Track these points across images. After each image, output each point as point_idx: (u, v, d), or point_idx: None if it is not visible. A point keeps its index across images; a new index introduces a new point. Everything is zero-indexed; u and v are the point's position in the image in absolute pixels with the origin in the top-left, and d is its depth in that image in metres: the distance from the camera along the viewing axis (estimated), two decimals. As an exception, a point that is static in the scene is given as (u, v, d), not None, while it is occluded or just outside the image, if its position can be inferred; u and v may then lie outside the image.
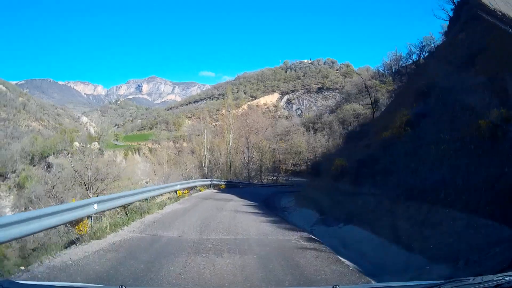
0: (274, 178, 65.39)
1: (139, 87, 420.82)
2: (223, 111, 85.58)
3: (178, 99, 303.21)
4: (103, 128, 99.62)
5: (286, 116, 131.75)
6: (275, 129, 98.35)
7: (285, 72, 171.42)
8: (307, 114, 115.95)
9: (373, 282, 6.18)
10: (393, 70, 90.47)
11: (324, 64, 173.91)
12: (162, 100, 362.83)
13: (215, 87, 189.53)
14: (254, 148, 55.41)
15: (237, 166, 53.27)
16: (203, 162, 52.05)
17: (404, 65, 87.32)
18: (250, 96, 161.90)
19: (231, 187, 35.58)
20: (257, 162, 56.27)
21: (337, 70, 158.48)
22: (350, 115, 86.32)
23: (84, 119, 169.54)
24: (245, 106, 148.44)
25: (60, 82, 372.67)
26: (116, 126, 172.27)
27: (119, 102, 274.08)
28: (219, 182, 34.35)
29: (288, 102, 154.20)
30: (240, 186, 40.90)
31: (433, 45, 37.85)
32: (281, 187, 51.55)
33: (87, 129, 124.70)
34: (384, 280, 6.26)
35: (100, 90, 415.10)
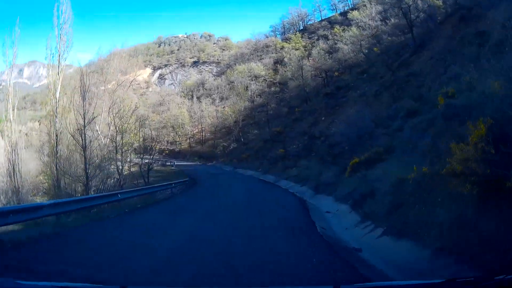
0: (143, 164, 47.13)
1: (20, 72, 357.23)
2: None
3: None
4: None
5: (158, 93, 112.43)
6: (147, 100, 78.18)
7: (159, 46, 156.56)
8: (187, 81, 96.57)
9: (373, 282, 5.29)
10: (299, 28, 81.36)
11: (201, 38, 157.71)
12: (40, 84, 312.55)
13: (88, 66, 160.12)
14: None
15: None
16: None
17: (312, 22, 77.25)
18: (120, 72, 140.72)
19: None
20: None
21: (214, 43, 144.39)
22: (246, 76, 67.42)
23: None
24: (114, 83, 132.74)
25: None
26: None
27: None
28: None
29: (161, 77, 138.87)
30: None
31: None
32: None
33: None
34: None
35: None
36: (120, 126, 24.19)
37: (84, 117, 19.73)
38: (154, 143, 68.37)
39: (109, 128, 25.22)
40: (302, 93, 45.60)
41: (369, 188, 11.39)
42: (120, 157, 23.65)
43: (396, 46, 35.43)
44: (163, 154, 67.96)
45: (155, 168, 45.09)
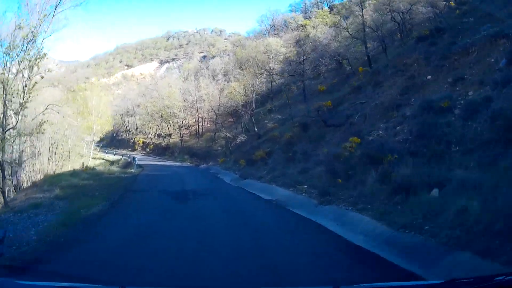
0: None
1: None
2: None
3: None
4: None
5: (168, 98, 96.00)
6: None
7: (167, 40, 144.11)
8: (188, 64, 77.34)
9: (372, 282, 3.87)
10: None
11: (211, 33, 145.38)
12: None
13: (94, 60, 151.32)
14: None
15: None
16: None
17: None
18: (126, 65, 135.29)
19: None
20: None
21: (225, 39, 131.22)
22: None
23: None
24: (118, 75, 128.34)
25: None
26: None
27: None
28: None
29: (168, 71, 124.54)
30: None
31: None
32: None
33: None
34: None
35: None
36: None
37: None
38: (137, 137, 49.69)
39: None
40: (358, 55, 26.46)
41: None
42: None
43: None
44: (147, 149, 48.87)
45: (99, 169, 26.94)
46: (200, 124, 43.74)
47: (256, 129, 29.55)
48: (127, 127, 63.29)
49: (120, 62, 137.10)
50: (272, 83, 37.26)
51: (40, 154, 26.04)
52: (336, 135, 17.39)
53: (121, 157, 35.90)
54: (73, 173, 19.52)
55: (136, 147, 54.07)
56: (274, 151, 20.26)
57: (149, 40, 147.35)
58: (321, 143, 17.18)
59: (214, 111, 38.32)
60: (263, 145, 23.59)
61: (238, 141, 30.07)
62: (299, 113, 24.39)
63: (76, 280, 3.95)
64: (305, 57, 28.44)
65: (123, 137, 63.96)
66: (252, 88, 31.82)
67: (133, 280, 4.88)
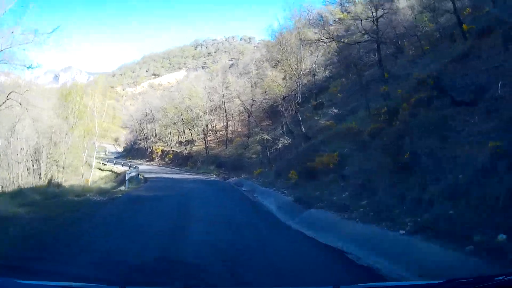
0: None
1: (56, 77, 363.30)
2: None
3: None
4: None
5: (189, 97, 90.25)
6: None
7: (195, 49, 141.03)
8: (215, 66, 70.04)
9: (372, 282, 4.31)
10: None
11: (240, 40, 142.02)
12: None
13: (120, 69, 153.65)
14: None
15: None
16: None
17: None
18: (153, 74, 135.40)
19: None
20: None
21: (255, 46, 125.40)
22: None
23: None
24: (145, 85, 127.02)
25: None
26: None
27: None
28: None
29: (197, 79, 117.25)
30: None
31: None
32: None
33: None
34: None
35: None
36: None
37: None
38: (155, 146, 43.22)
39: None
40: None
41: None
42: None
43: None
44: (166, 159, 41.44)
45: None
46: (229, 128, 35.93)
47: (303, 129, 21.23)
48: (145, 134, 56.11)
49: (147, 71, 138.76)
50: (316, 76, 28.99)
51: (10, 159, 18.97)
52: (472, 120, 8.95)
53: (128, 168, 28.48)
54: (19, 193, 12.08)
55: (153, 157, 46.53)
56: (352, 155, 11.89)
57: (176, 49, 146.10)
58: (450, 136, 8.73)
59: (246, 109, 30.26)
60: (322, 148, 15.19)
61: (280, 145, 21.72)
62: (375, 100, 16.03)
63: (76, 279, 3.76)
64: (382, 14, 19.01)
65: (140, 145, 56.90)
66: (297, 75, 23.54)
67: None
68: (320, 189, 11.07)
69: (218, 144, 36.46)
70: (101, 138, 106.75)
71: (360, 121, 15.02)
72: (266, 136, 22.41)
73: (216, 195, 15.78)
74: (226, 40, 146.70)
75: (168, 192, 15.72)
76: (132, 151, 57.87)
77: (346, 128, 15.13)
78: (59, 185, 19.03)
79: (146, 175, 24.39)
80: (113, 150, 72.17)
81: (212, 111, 37.15)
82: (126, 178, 18.84)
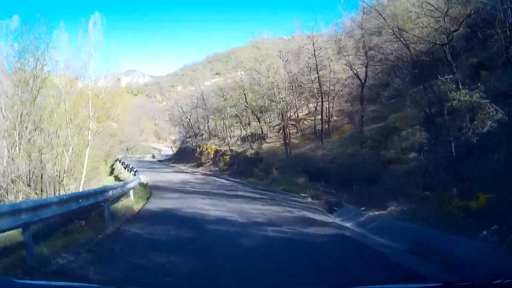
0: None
1: (118, 81, 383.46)
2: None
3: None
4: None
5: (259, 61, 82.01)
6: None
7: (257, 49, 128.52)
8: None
9: (371, 285, 4.23)
10: None
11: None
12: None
13: (184, 70, 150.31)
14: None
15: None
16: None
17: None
18: (216, 74, 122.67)
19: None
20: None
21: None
22: None
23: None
24: (208, 84, 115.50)
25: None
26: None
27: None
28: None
29: None
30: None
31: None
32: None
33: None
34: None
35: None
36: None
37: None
38: (205, 147, 33.85)
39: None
40: None
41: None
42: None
43: None
44: (220, 164, 29.22)
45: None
46: (325, 112, 22.39)
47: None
48: (194, 129, 44.52)
49: (210, 71, 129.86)
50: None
51: None
52: None
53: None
54: None
55: (202, 160, 34.00)
56: None
57: (239, 48, 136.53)
58: None
59: (356, 74, 17.64)
60: None
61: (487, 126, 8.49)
62: None
63: (75, 280, 4.26)
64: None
65: (188, 144, 44.97)
66: None
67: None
68: None
69: (305, 140, 23.51)
70: (157, 139, 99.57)
71: None
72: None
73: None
74: (292, 38, 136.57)
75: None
76: (179, 153, 47.14)
77: None
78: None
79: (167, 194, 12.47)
80: (170, 152, 63.15)
81: (292, 90, 24.60)
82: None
